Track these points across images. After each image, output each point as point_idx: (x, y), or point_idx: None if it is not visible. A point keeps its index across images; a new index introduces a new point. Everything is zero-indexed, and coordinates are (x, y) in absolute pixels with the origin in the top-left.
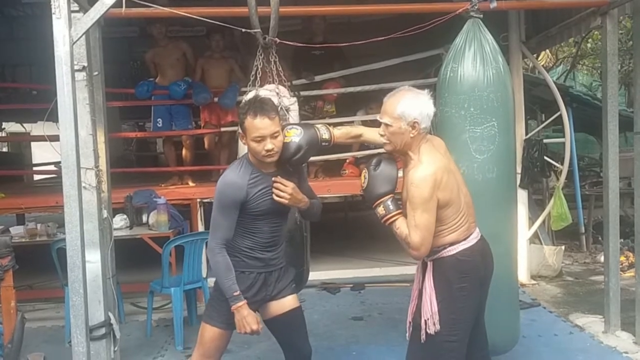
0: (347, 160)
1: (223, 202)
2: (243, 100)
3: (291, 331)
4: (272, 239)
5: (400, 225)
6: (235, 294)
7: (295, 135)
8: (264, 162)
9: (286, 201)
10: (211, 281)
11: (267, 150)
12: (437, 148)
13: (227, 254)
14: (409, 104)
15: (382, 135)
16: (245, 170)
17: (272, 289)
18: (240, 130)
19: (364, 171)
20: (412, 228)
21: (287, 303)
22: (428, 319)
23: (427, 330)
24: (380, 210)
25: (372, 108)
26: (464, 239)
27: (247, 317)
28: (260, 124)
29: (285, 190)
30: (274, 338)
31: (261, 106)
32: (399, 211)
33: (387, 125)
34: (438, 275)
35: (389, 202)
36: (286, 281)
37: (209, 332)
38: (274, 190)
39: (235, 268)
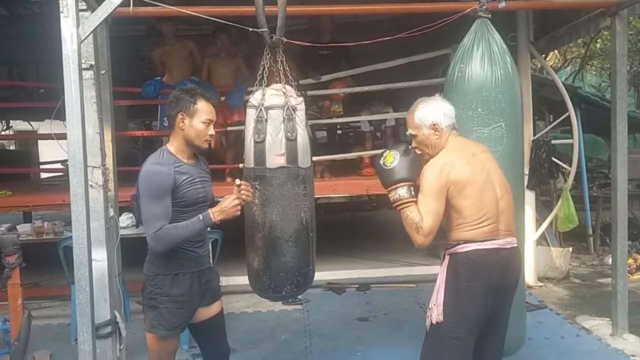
0: (365, 161)
1: (154, 191)
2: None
3: (215, 334)
4: (201, 233)
5: (412, 212)
6: (201, 217)
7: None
8: (191, 150)
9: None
10: None
11: (210, 135)
12: (470, 146)
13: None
14: (423, 110)
15: (414, 148)
16: (168, 159)
17: (204, 292)
18: (182, 112)
19: (391, 152)
20: (425, 213)
21: (214, 308)
22: (432, 307)
23: (431, 317)
24: (400, 192)
25: (374, 106)
26: (481, 240)
27: (225, 204)
28: (211, 108)
29: (250, 189)
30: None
31: (210, 94)
32: (414, 199)
33: (413, 135)
34: (450, 270)
35: (406, 188)
36: (216, 287)
37: (156, 341)
38: (242, 192)
39: (170, 271)
